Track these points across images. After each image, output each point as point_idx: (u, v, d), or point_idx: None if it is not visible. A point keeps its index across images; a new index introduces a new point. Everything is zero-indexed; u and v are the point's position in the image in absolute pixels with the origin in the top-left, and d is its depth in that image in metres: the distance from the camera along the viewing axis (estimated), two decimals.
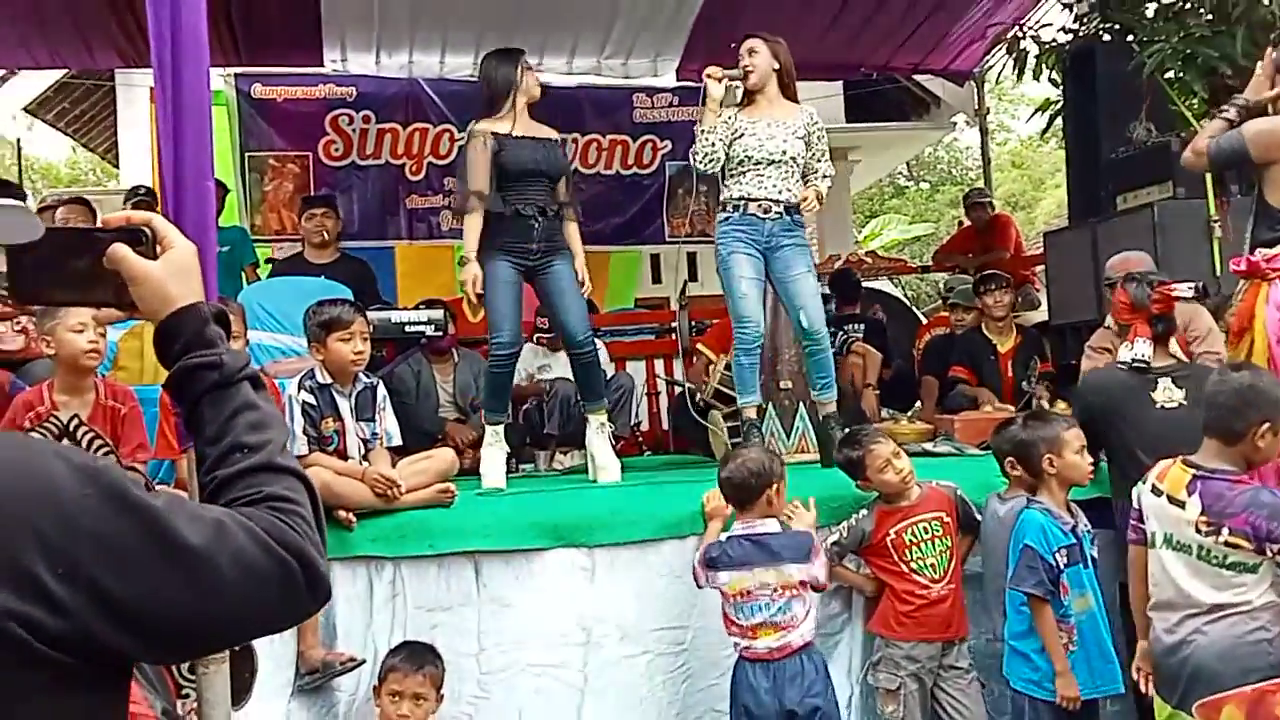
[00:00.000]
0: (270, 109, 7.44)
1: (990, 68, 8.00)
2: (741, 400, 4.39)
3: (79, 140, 12.08)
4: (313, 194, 6.99)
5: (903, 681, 3.32)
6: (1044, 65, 6.50)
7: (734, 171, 4.34)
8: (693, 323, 5.94)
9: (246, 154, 7.43)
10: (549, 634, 3.41)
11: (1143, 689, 3.01)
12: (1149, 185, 5.35)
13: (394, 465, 3.59)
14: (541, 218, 4.24)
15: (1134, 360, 3.53)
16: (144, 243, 1.18)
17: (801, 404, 4.68)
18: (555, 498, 3.90)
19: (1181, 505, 2.76)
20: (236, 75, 7.33)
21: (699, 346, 5.53)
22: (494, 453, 4.23)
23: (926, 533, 3.39)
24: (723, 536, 3.32)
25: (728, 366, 4.78)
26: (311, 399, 3.56)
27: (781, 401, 4.72)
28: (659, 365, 6.42)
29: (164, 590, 0.96)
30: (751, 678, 3.17)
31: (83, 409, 3.34)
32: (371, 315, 4.05)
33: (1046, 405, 4.89)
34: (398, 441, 3.74)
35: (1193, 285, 3.63)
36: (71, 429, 3.27)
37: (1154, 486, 2.87)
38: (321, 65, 7.42)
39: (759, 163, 4.30)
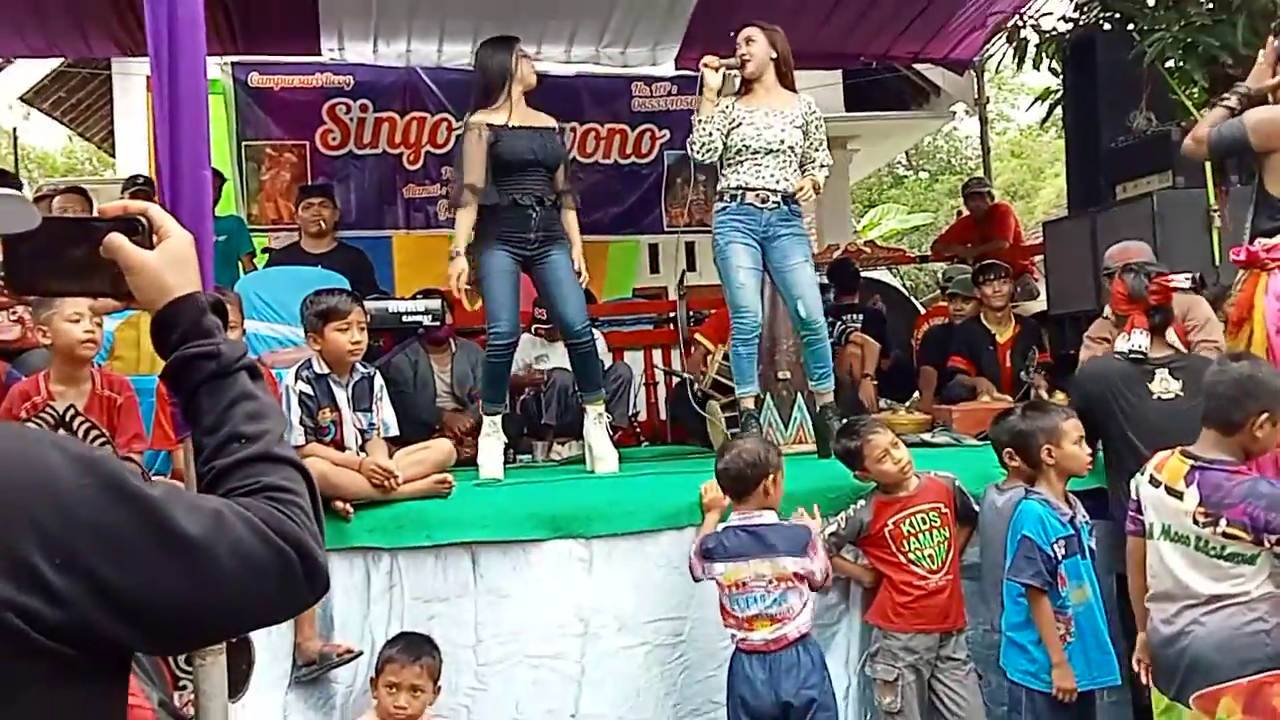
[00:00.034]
0: (267, 98, 7.41)
1: (990, 56, 7.98)
2: (739, 390, 4.39)
3: (75, 129, 12.06)
4: (310, 183, 6.97)
5: (900, 672, 3.32)
6: (1044, 54, 6.48)
7: (731, 161, 4.33)
8: (690, 313, 5.93)
9: (243, 143, 7.40)
10: (546, 625, 3.40)
11: (1143, 680, 3.01)
12: (1149, 175, 5.34)
13: (391, 456, 3.59)
14: (539, 207, 4.23)
15: (1131, 351, 3.53)
16: (140, 232, 1.18)
17: (799, 394, 4.68)
18: (553, 488, 3.90)
19: (1179, 496, 2.76)
20: (233, 64, 7.30)
21: (697, 336, 5.53)
22: (491, 443, 4.23)
23: (924, 523, 3.39)
24: (720, 527, 3.32)
25: (726, 356, 4.77)
26: (308, 389, 3.55)
27: (779, 392, 4.72)
28: (657, 355, 6.41)
29: (162, 580, 0.96)
30: (748, 669, 3.17)
31: (79, 399, 3.33)
32: (369, 305, 4.04)
33: (1045, 396, 4.88)
34: (395, 432, 3.73)
35: (1190, 277, 3.63)
36: (68, 419, 3.26)
37: (1152, 477, 2.87)
38: (319, 54, 7.38)
39: (756, 152, 4.29)
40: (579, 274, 4.30)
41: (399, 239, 7.57)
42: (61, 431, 3.17)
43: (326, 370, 3.60)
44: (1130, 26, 5.91)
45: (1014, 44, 6.66)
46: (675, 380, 5.91)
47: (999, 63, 8.03)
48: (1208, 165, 4.80)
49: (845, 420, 3.91)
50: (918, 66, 9.18)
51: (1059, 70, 6.48)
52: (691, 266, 7.31)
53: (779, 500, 3.31)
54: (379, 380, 3.74)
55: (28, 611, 0.90)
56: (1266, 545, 2.65)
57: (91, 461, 0.97)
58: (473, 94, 4.45)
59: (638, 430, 5.94)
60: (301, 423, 3.51)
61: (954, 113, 11.51)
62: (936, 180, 21.48)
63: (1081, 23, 6.32)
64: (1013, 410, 3.60)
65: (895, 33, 7.62)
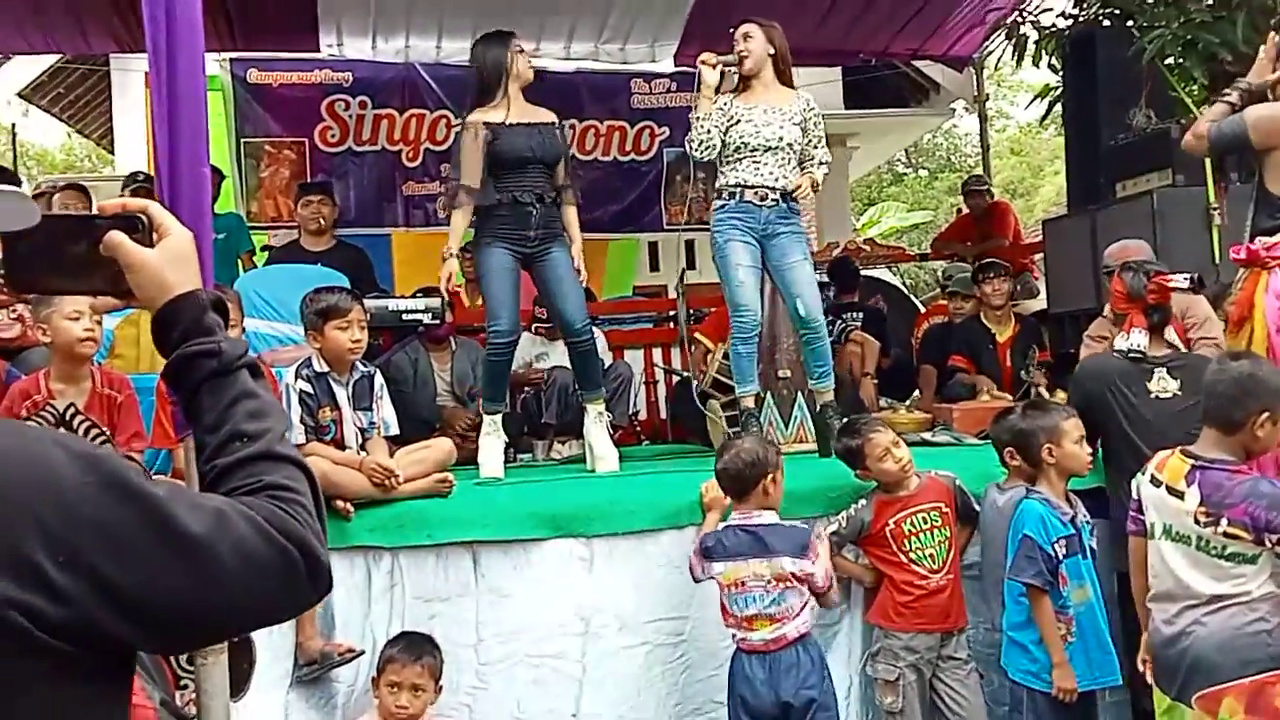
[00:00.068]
0: (266, 94, 7.39)
1: (989, 53, 7.97)
2: (739, 389, 4.38)
3: (74, 126, 12.05)
4: (309, 180, 6.95)
5: (901, 672, 3.32)
6: (1043, 51, 6.49)
7: (730, 158, 4.32)
8: (690, 311, 5.93)
9: (242, 140, 7.37)
10: (547, 624, 3.40)
11: (1148, 680, 3.01)
12: (1148, 172, 5.34)
13: (392, 455, 3.58)
14: (539, 205, 4.22)
15: (1129, 350, 3.53)
16: (140, 230, 1.17)
17: (800, 393, 4.67)
18: (553, 487, 3.89)
19: (1180, 496, 2.76)
20: (232, 60, 7.28)
21: (697, 335, 5.52)
22: (492, 442, 4.22)
23: (925, 523, 3.39)
24: (720, 527, 3.32)
25: (726, 355, 4.77)
26: (309, 388, 3.54)
27: (780, 390, 4.71)
28: (657, 354, 6.41)
29: (164, 578, 0.95)
30: (748, 669, 3.17)
31: (79, 397, 3.33)
32: (368, 303, 4.03)
33: (1045, 394, 4.88)
34: (395, 430, 3.73)
35: (1189, 277, 3.62)
36: (68, 418, 3.26)
37: (1153, 477, 2.87)
38: (317, 50, 7.37)
39: (755, 149, 4.28)
40: (578, 272, 4.30)
41: (398, 236, 7.56)
42: (62, 430, 3.16)
43: (326, 369, 3.59)
44: (1130, 23, 5.91)
45: (1013, 41, 6.66)
46: (675, 379, 5.90)
47: (998, 60, 8.02)
48: (1208, 163, 4.80)
49: (846, 419, 3.91)
50: (917, 64, 9.18)
51: (1058, 67, 6.48)
52: (691, 264, 7.29)
53: (779, 500, 3.31)
54: (379, 379, 3.73)
55: (30, 609, 0.89)
56: (1268, 545, 2.64)
57: (94, 459, 0.97)
58: (473, 90, 4.44)
59: (638, 429, 5.93)
60: (302, 421, 3.50)
61: (953, 110, 11.50)
62: (936, 178, 21.51)
63: (1081, 19, 6.32)
64: (1013, 409, 3.60)
65: (894, 29, 7.61)
